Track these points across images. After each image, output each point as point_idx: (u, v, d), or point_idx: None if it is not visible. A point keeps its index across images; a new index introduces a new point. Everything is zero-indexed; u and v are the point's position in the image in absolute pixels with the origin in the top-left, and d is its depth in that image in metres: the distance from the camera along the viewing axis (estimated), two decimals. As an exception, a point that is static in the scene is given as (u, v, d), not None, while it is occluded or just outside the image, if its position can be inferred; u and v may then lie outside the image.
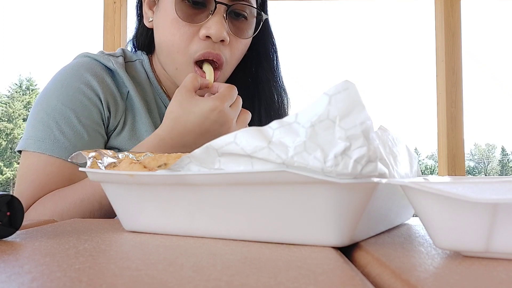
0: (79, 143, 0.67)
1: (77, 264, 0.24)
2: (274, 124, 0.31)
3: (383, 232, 0.40)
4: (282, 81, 0.83)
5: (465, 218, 0.26)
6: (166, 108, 0.75)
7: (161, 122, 0.73)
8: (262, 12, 0.73)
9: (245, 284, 0.20)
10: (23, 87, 40.61)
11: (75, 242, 0.33)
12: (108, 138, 0.72)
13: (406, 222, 0.49)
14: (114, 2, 1.91)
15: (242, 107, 0.69)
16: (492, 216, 0.25)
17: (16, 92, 40.21)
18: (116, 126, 0.71)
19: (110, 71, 0.73)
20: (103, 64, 0.73)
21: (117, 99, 0.72)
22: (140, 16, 0.78)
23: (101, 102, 0.70)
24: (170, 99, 0.76)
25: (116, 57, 0.75)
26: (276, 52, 0.81)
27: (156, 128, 0.71)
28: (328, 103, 0.30)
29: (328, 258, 0.28)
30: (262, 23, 0.73)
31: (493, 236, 0.25)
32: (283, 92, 0.82)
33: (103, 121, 0.70)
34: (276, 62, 0.81)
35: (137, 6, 0.78)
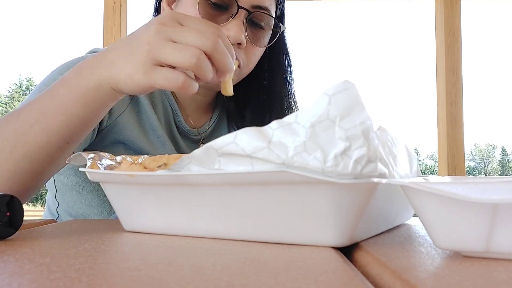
0: None
1: (77, 264, 0.24)
2: (274, 124, 0.31)
3: (383, 232, 0.40)
4: (294, 95, 0.84)
5: (465, 218, 0.26)
6: (170, 106, 0.76)
7: (164, 119, 0.74)
8: (280, 24, 0.74)
9: (245, 284, 0.20)
10: (23, 87, 40.58)
11: (75, 242, 0.33)
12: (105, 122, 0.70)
13: (406, 222, 0.49)
14: (114, 2, 1.91)
15: (253, 118, 0.73)
16: (492, 216, 0.25)
17: (16, 92, 40.18)
18: (119, 114, 0.70)
19: None
20: None
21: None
22: (157, 12, 0.78)
23: None
24: (175, 97, 0.77)
25: None
26: (290, 65, 0.82)
27: (160, 123, 0.72)
28: (328, 103, 0.30)
29: (328, 258, 0.28)
30: (278, 35, 0.75)
31: (493, 236, 0.25)
32: (295, 107, 0.83)
33: None
34: (290, 76, 0.82)
35: (156, 2, 0.79)
